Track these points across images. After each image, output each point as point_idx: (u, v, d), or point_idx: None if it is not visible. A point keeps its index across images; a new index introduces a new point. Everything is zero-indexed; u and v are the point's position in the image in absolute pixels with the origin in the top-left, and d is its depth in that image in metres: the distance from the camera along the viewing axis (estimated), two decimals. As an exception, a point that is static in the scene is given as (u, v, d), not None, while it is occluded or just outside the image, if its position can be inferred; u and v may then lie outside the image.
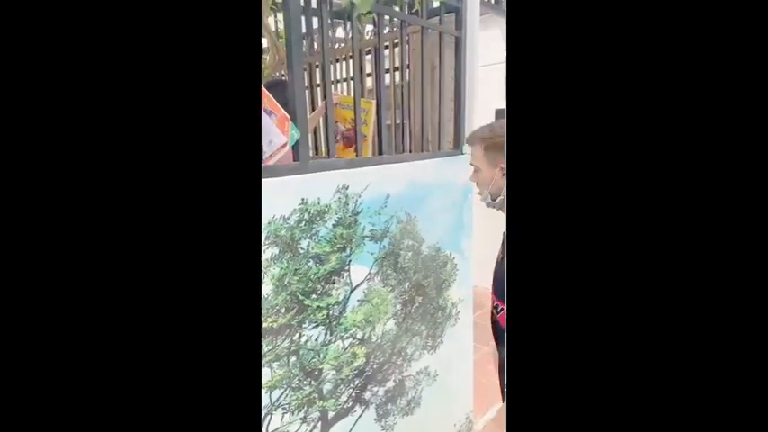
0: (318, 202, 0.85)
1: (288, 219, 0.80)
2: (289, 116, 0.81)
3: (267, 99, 0.79)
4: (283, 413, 0.85)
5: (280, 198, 0.78)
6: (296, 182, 0.81)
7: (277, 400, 0.84)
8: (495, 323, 0.93)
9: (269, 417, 0.83)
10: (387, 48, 1.60)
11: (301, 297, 0.85)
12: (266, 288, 0.78)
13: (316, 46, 1.70)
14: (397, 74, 1.55)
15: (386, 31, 1.55)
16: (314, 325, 0.89)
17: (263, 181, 0.71)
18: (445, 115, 1.37)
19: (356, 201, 0.94)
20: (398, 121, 1.41)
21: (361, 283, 1.00)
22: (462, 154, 1.33)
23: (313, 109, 1.68)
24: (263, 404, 0.81)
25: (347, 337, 0.97)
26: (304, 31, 1.57)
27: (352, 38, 0.97)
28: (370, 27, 1.69)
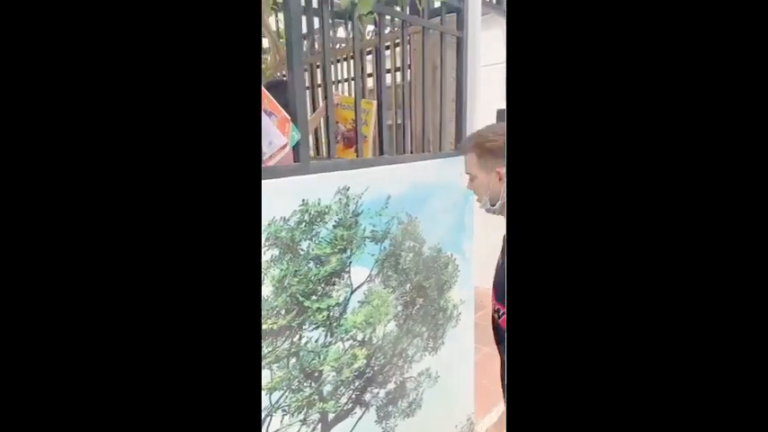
0: (319, 203, 0.85)
1: (288, 220, 0.79)
2: (289, 117, 0.81)
3: (267, 100, 0.79)
4: (283, 415, 0.85)
5: (280, 199, 0.78)
6: (296, 183, 0.81)
7: (277, 401, 0.83)
8: (496, 327, 0.93)
9: (269, 419, 0.83)
10: (388, 48, 1.60)
11: (301, 298, 0.84)
12: (266, 290, 0.78)
13: (317, 46, 1.69)
14: (399, 74, 1.55)
15: (387, 31, 1.55)
16: (314, 326, 0.88)
17: (264, 182, 0.71)
18: (446, 116, 1.36)
19: (357, 202, 0.94)
20: (399, 122, 1.40)
21: (362, 284, 0.99)
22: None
23: (314, 109, 1.67)
24: (262, 406, 0.81)
25: (347, 339, 0.97)
26: (305, 31, 1.57)
27: (353, 38, 0.96)
28: (371, 27, 1.69)
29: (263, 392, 0.81)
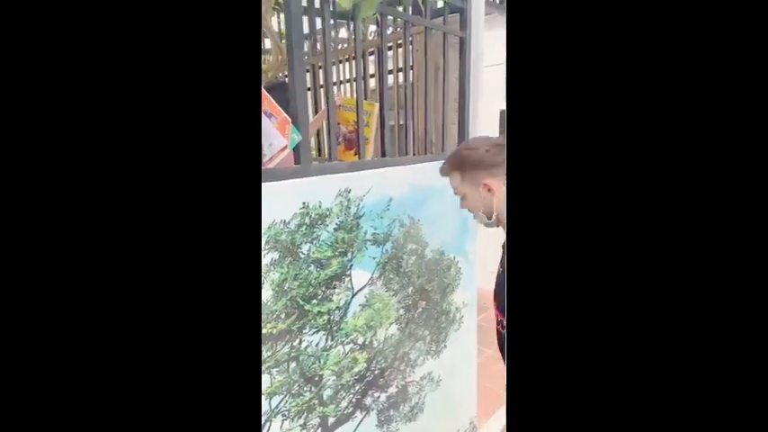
0: (320, 206, 0.84)
1: (288, 223, 0.79)
2: (289, 118, 0.80)
3: (267, 101, 0.78)
4: (283, 420, 0.84)
5: (280, 202, 0.77)
6: (297, 185, 0.80)
7: (277, 406, 0.83)
8: (500, 338, 0.92)
9: (268, 423, 0.82)
10: (390, 48, 1.59)
11: (302, 302, 0.84)
12: (266, 293, 0.77)
13: (319, 47, 1.69)
14: (401, 75, 1.54)
15: (389, 31, 1.54)
16: (314, 330, 0.87)
17: (263, 184, 0.70)
18: (449, 117, 1.35)
19: (358, 204, 0.93)
20: (401, 123, 1.39)
21: (363, 287, 0.98)
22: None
23: (316, 111, 1.67)
24: (262, 411, 0.80)
25: (348, 343, 0.96)
26: (307, 31, 1.57)
27: (355, 38, 0.95)
28: (373, 27, 1.68)
29: (263, 397, 0.80)
